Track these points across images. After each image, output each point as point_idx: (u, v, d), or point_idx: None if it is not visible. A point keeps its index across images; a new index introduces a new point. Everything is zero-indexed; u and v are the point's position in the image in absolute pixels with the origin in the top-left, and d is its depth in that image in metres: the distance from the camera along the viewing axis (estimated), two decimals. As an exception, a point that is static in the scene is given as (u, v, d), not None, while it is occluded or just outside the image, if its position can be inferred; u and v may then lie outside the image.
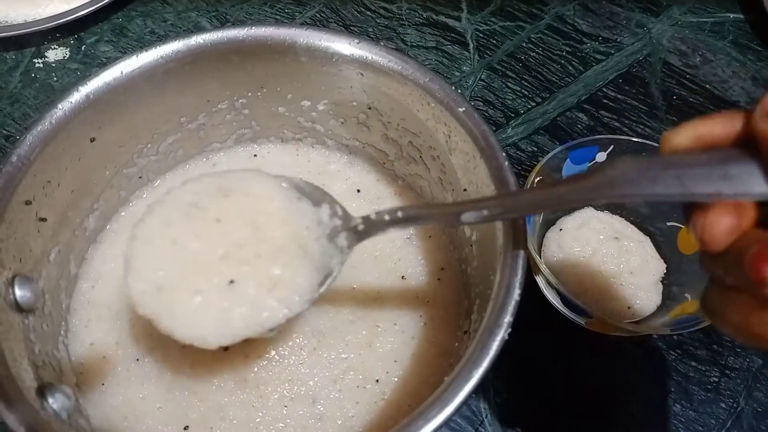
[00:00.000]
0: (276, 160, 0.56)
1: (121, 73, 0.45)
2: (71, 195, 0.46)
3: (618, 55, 0.72)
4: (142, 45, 0.71)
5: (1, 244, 0.39)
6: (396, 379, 0.46)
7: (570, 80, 0.70)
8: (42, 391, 0.37)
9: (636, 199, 0.30)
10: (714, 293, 0.29)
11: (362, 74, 0.47)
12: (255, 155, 0.57)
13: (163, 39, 0.64)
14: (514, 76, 0.70)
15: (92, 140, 0.45)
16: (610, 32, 0.75)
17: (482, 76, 0.70)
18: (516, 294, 0.36)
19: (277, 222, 0.38)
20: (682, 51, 0.73)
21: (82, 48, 0.71)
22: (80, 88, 0.43)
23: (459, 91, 0.64)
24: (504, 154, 0.41)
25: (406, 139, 0.51)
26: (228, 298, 0.36)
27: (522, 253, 0.37)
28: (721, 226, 0.27)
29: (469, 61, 0.71)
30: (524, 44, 0.73)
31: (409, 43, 0.73)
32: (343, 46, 0.46)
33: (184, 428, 0.44)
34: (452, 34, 0.74)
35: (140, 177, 0.52)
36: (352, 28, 0.74)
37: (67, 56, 0.70)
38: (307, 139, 0.56)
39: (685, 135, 0.29)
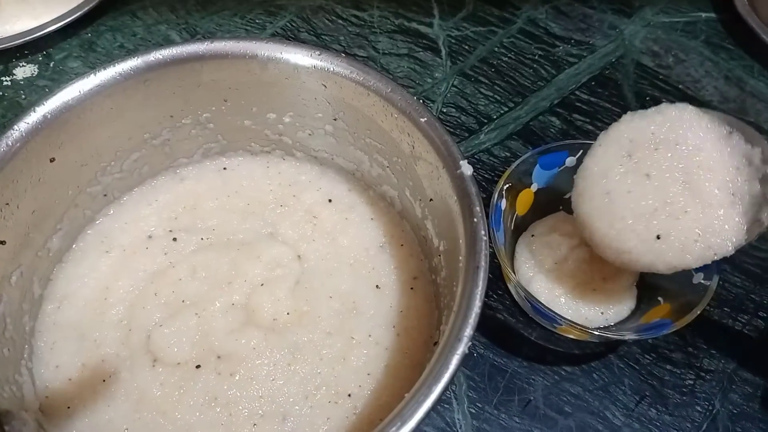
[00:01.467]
0: (246, 173, 0.56)
1: (79, 92, 0.44)
2: (32, 216, 0.45)
3: (590, 58, 0.72)
4: (112, 59, 0.70)
5: None
6: (369, 393, 0.46)
7: (542, 84, 0.70)
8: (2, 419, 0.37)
9: None
10: None
11: (325, 86, 0.47)
12: (224, 168, 0.56)
13: (132, 53, 0.63)
14: (487, 81, 0.70)
15: (52, 160, 0.45)
16: (582, 34, 0.75)
17: (455, 83, 0.70)
18: (476, 306, 0.35)
19: (707, 172, 0.41)
20: (655, 51, 0.73)
21: (51, 64, 0.70)
22: (36, 108, 0.43)
23: (426, 99, 0.64)
24: (466, 163, 0.41)
25: (373, 149, 0.50)
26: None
27: (483, 265, 0.37)
28: None
29: (441, 68, 0.71)
30: (496, 49, 0.73)
31: (381, 51, 0.72)
32: (304, 57, 0.46)
33: None
34: (424, 41, 0.73)
35: (105, 195, 0.52)
36: (323, 37, 0.73)
37: (36, 73, 0.69)
38: (276, 151, 0.56)
39: None
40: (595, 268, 0.51)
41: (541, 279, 0.51)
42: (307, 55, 0.46)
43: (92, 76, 0.44)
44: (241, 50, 0.46)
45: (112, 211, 0.53)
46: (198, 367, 0.46)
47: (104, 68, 0.45)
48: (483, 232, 0.38)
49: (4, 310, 0.43)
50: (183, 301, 0.48)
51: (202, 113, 0.51)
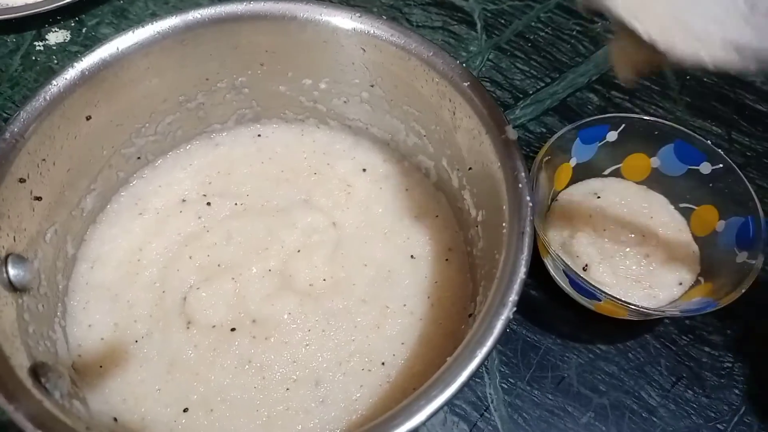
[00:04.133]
0: (280, 140, 0.55)
1: (117, 49, 0.44)
2: (67, 174, 0.45)
3: (630, 35, 0.70)
4: (122, 31, 0.70)
5: None
6: (402, 362, 0.45)
7: (580, 60, 0.68)
8: (35, 370, 0.37)
9: None
10: None
11: (364, 50, 0.46)
12: (259, 135, 0.56)
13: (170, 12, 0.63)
14: (523, 56, 0.68)
15: (88, 118, 0.44)
16: (621, 11, 0.73)
17: (490, 57, 0.68)
18: (521, 272, 0.35)
19: None
20: (696, 30, 0.71)
21: (83, 31, 0.70)
22: (75, 64, 0.42)
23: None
24: (511, 127, 0.40)
25: (410, 117, 0.49)
26: None
27: (528, 231, 0.36)
28: None
29: (476, 41, 0.70)
30: (533, 24, 0.71)
31: (414, 23, 0.71)
32: (345, 20, 0.45)
33: (184, 410, 0.43)
34: (459, 14, 0.72)
35: (139, 157, 0.52)
36: (356, 7, 0.72)
37: (68, 39, 0.69)
38: (310, 119, 0.55)
39: None
40: (645, 236, 0.50)
41: (579, 249, 0.50)
42: (348, 17, 0.45)
43: (130, 33, 0.44)
44: (280, 11, 0.45)
45: (146, 174, 0.53)
46: (233, 330, 0.46)
47: (143, 26, 0.44)
48: (528, 198, 0.37)
49: (39, 266, 0.43)
50: (219, 265, 0.48)
51: (237, 77, 0.50)
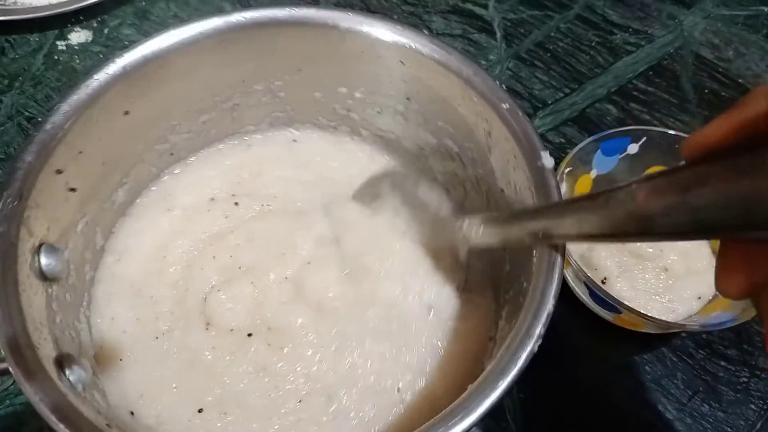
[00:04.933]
0: (313, 146, 0.55)
1: (159, 47, 0.43)
2: (102, 167, 0.46)
3: (649, 47, 0.71)
4: (165, 28, 0.70)
5: (31, 212, 0.38)
6: (419, 387, 0.44)
7: (599, 71, 0.68)
8: (60, 362, 0.37)
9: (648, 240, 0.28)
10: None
11: (403, 62, 0.45)
12: (294, 141, 0.55)
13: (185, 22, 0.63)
14: (542, 66, 0.69)
15: (126, 113, 0.45)
16: (640, 23, 0.73)
17: (509, 66, 0.68)
18: (550, 304, 0.34)
19: None
20: (715, 44, 0.72)
21: (105, 31, 0.70)
22: (116, 59, 0.42)
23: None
24: (548, 154, 0.39)
25: (444, 134, 0.49)
26: None
27: (559, 261, 0.35)
28: (734, 285, 0.25)
29: (496, 50, 0.70)
30: (553, 34, 0.71)
31: (434, 31, 0.71)
32: (386, 32, 0.45)
33: (199, 411, 0.43)
34: (479, 23, 0.72)
35: (171, 154, 0.52)
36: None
37: (90, 39, 0.70)
38: (343, 127, 0.55)
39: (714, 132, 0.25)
40: (655, 255, 0.50)
41: (598, 259, 0.50)
42: (389, 29, 0.45)
43: (172, 31, 0.44)
44: (322, 19, 0.45)
45: (177, 170, 0.53)
46: (250, 335, 0.46)
47: (185, 25, 0.44)
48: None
49: (69, 256, 0.43)
50: (239, 268, 0.48)
51: (274, 81, 0.50)
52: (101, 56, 0.68)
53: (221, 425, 0.43)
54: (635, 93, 0.67)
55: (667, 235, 0.30)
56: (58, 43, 0.69)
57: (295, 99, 0.52)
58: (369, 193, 0.48)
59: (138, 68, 0.43)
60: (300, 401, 0.44)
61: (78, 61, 0.68)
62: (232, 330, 0.46)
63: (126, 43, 0.69)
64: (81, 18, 0.71)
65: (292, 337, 0.45)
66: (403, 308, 0.46)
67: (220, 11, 0.72)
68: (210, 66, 0.47)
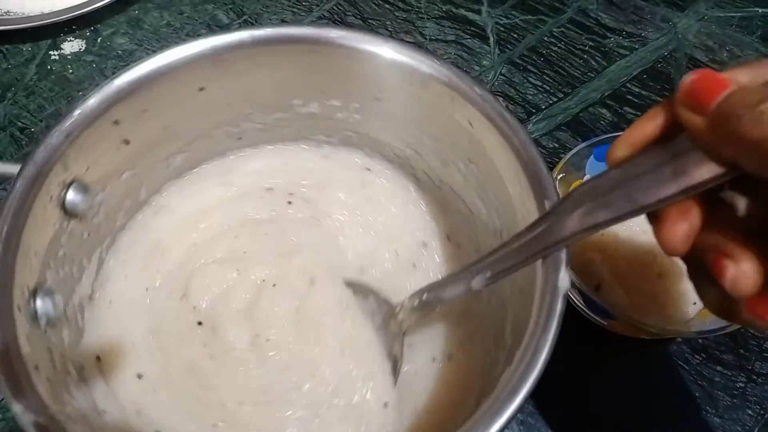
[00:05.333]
0: (382, 181, 0.53)
1: (250, 36, 0.44)
2: (163, 131, 0.46)
3: (642, 50, 0.71)
4: (158, 38, 0.70)
5: (73, 150, 0.40)
6: (414, 405, 0.44)
7: (593, 75, 0.68)
8: (35, 291, 0.38)
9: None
10: (708, 293, 0.30)
11: (472, 125, 0.43)
12: (368, 169, 0.54)
13: (178, 31, 0.63)
14: (536, 70, 0.69)
15: (201, 89, 0.45)
16: (634, 27, 0.73)
17: (503, 71, 0.68)
18: (544, 354, 0.34)
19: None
20: (709, 46, 0.71)
21: (98, 40, 0.70)
22: (208, 38, 0.43)
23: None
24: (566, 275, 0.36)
25: (491, 205, 0.47)
26: None
27: (559, 307, 0.34)
28: (678, 233, 0.28)
29: (489, 55, 0.70)
30: (546, 38, 0.71)
31: (428, 37, 0.71)
32: (471, 91, 0.43)
33: (191, 416, 0.43)
34: (472, 28, 0.72)
35: (240, 138, 0.52)
36: (370, 21, 0.72)
37: (83, 48, 0.70)
38: (407, 166, 0.53)
39: (622, 145, 0.30)
40: (649, 261, 0.50)
41: (596, 261, 0.50)
42: (475, 89, 0.42)
43: (261, 31, 0.44)
44: (426, 71, 0.43)
45: (245, 153, 0.53)
46: (248, 347, 0.45)
47: (272, 27, 0.44)
48: (559, 310, 0.35)
49: (102, 199, 0.44)
50: (244, 252, 0.48)
51: (352, 102, 0.49)
52: (94, 65, 0.68)
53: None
54: (629, 96, 0.66)
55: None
56: (51, 52, 0.69)
57: (368, 125, 0.51)
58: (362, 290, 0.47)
59: (222, 51, 0.43)
60: (290, 412, 0.43)
61: (71, 70, 0.68)
62: (194, 308, 0.46)
63: (119, 52, 0.69)
64: (74, 27, 0.71)
65: (225, 344, 0.45)
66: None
67: (213, 20, 0.72)
68: (291, 69, 0.46)
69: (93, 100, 0.41)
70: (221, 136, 0.51)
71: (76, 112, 0.40)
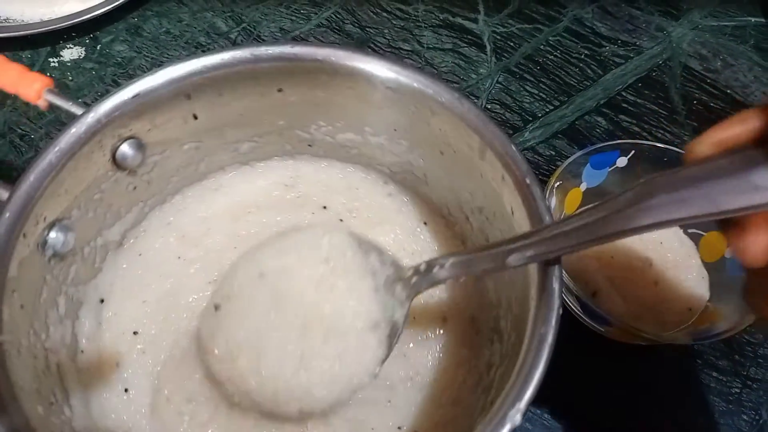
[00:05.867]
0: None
1: (332, 57, 0.44)
2: (237, 117, 0.47)
3: (637, 59, 0.71)
4: (158, 45, 0.71)
5: (135, 107, 0.41)
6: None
7: (588, 84, 0.69)
8: (54, 224, 0.39)
9: (668, 226, 0.29)
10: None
11: (483, 157, 0.43)
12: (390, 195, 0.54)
13: (177, 39, 0.63)
14: (532, 79, 0.69)
15: (279, 90, 0.46)
16: (629, 36, 0.74)
17: (499, 79, 0.69)
18: (537, 377, 0.33)
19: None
20: (703, 55, 0.72)
21: (98, 47, 0.71)
22: (300, 47, 0.44)
23: (471, 95, 0.63)
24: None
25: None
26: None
27: (546, 353, 0.34)
28: (760, 244, 0.26)
29: (486, 64, 0.70)
30: (542, 47, 0.72)
31: (425, 45, 0.72)
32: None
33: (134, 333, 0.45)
34: (469, 36, 0.73)
35: (310, 145, 0.52)
36: (368, 29, 0.73)
37: (83, 56, 0.70)
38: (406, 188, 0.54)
39: (707, 142, 0.28)
40: (646, 268, 0.51)
41: (592, 270, 0.51)
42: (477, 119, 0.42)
43: (351, 53, 0.45)
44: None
45: (310, 162, 0.54)
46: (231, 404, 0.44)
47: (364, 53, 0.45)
48: (552, 331, 0.35)
49: (157, 160, 0.46)
50: (252, 232, 0.50)
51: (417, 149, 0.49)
52: (94, 73, 0.68)
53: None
54: (624, 105, 0.67)
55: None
56: (50, 60, 0.69)
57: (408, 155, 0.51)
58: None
59: (306, 61, 0.44)
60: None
61: (71, 77, 0.68)
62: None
63: (118, 59, 0.70)
64: (73, 35, 0.71)
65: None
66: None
67: (212, 28, 0.73)
68: (373, 102, 0.46)
69: (168, 70, 0.42)
70: (292, 137, 0.52)
71: (148, 77, 0.42)
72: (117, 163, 0.43)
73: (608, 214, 0.30)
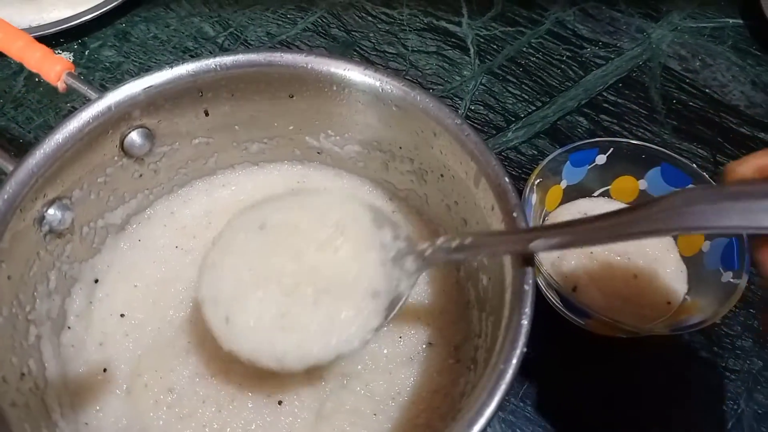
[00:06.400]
0: None
1: (344, 70, 0.45)
2: (248, 118, 0.49)
3: (618, 60, 0.73)
4: (145, 50, 0.72)
5: (145, 99, 0.43)
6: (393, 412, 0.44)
7: (570, 84, 0.70)
8: (53, 202, 0.41)
9: (701, 231, 0.31)
10: None
11: (478, 185, 0.43)
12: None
13: (164, 44, 0.64)
14: (515, 80, 0.70)
15: (291, 96, 0.47)
16: (610, 37, 0.75)
17: (483, 81, 0.70)
18: (508, 377, 0.34)
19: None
20: (682, 56, 0.74)
21: (86, 53, 0.71)
22: (313, 57, 0.45)
23: (455, 97, 0.65)
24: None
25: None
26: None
27: (521, 344, 0.35)
28: None
29: (469, 66, 0.72)
30: (525, 49, 0.73)
31: (410, 48, 0.73)
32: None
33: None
34: (453, 39, 0.74)
35: (319, 153, 0.53)
36: (353, 33, 0.74)
37: (71, 61, 0.70)
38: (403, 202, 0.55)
39: (750, 165, 0.31)
40: (624, 263, 0.52)
41: (573, 268, 0.52)
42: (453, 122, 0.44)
43: (361, 71, 0.46)
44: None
45: (318, 166, 0.55)
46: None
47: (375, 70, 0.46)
48: (511, 370, 0.35)
49: (166, 151, 0.48)
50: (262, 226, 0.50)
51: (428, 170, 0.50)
52: (82, 78, 0.69)
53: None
54: (605, 105, 0.69)
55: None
56: (39, 65, 0.70)
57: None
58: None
59: (320, 74, 0.46)
60: None
61: (59, 83, 0.69)
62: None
63: (107, 64, 0.70)
64: (62, 40, 0.72)
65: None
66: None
67: (199, 33, 0.74)
68: (385, 121, 0.48)
69: (181, 67, 0.44)
70: (302, 143, 0.53)
71: (166, 70, 0.43)
72: (125, 149, 0.45)
73: (644, 214, 0.32)
